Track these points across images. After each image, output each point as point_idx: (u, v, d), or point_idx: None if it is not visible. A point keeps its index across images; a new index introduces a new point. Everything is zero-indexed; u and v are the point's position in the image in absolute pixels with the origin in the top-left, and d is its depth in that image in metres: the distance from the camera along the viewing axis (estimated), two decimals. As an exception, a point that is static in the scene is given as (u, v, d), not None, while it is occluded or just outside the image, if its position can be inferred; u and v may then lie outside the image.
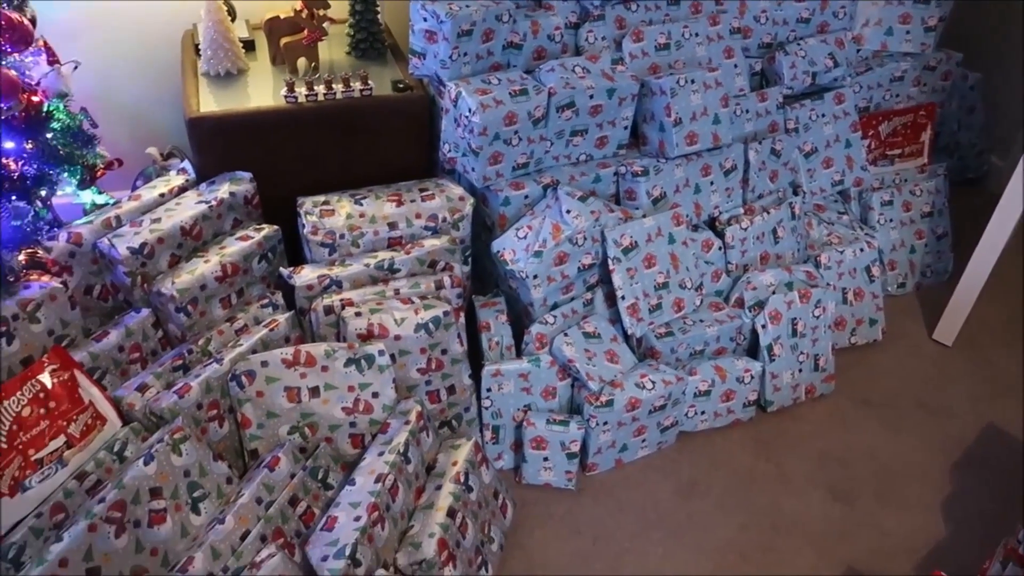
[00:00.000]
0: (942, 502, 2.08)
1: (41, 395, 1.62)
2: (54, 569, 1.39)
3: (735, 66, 2.45)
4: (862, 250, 2.49)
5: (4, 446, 1.54)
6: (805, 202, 2.58)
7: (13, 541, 1.47)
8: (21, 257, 1.78)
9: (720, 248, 2.33)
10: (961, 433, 2.29)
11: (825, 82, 2.61)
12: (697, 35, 2.37)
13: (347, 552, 1.49)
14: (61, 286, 1.78)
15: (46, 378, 1.64)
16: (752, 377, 2.18)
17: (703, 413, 2.18)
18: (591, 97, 2.14)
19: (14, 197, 1.85)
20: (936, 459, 2.20)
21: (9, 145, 1.81)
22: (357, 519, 1.57)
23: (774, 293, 2.25)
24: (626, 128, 2.28)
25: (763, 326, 2.22)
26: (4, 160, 1.81)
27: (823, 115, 2.58)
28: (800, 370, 2.29)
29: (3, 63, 1.79)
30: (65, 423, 1.63)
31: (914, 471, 2.16)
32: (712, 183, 2.35)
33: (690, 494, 2.05)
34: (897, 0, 2.69)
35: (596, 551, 1.90)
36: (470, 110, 2.01)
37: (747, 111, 2.45)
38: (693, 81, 2.21)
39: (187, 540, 1.60)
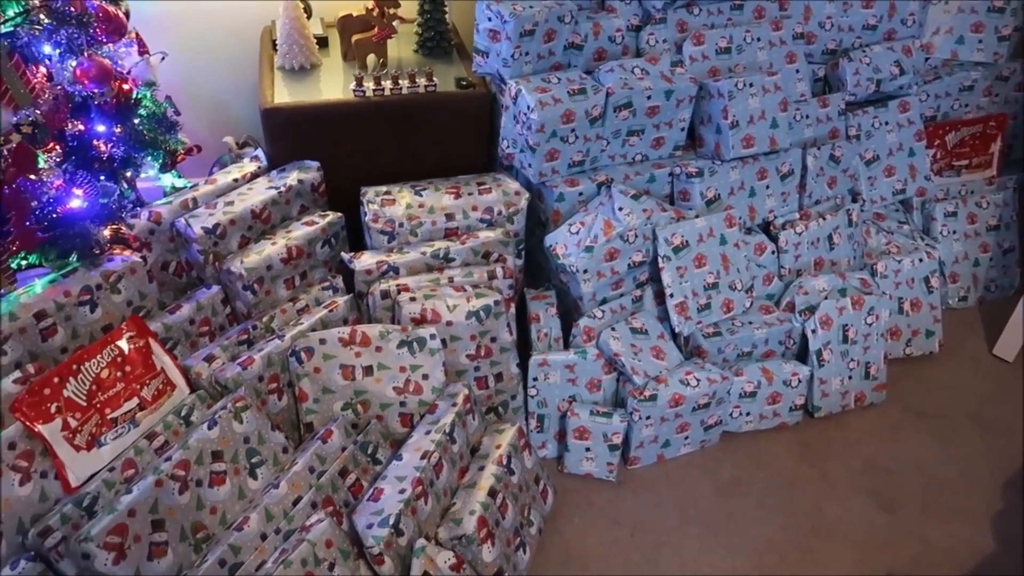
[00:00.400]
0: (991, 518, 2.06)
1: (119, 359, 1.76)
2: (123, 518, 1.52)
3: (797, 71, 2.46)
4: (921, 260, 2.47)
5: (84, 404, 1.68)
6: (864, 210, 2.57)
7: (88, 491, 1.61)
8: (107, 232, 1.94)
9: (773, 252, 2.35)
10: (1015, 450, 2.25)
11: (890, 90, 2.60)
12: (759, 39, 2.40)
13: (391, 521, 1.58)
14: (141, 261, 1.93)
15: (124, 344, 1.78)
16: (800, 381, 2.19)
17: (748, 414, 2.21)
18: (649, 98, 2.19)
19: (103, 177, 2.01)
20: (987, 474, 2.18)
21: (101, 128, 1.97)
22: (402, 492, 1.66)
23: (826, 298, 2.27)
24: (683, 130, 2.32)
25: (813, 331, 2.23)
26: (96, 142, 1.97)
27: (886, 123, 2.57)
28: (850, 377, 2.29)
29: (99, 52, 1.95)
30: (139, 387, 1.77)
31: (963, 485, 2.14)
32: (768, 187, 2.37)
33: (731, 493, 2.08)
34: (970, 8, 2.66)
35: (633, 542, 1.95)
36: (529, 107, 2.08)
37: (807, 116, 2.46)
38: (752, 84, 2.24)
39: (243, 502, 1.72)
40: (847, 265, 2.44)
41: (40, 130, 1.81)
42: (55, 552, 1.51)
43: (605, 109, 2.16)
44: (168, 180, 2.29)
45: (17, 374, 1.67)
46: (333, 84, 2.36)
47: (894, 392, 2.38)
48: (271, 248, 2.05)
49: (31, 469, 1.58)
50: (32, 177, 1.73)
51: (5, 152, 1.69)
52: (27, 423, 1.59)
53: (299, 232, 2.11)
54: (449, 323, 1.97)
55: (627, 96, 2.16)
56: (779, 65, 2.44)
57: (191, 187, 2.20)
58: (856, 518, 2.03)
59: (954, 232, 2.67)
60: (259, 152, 2.32)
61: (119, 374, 1.75)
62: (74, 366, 1.69)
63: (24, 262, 1.86)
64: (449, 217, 2.16)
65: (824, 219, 2.39)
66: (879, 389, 2.34)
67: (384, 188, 2.22)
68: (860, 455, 2.20)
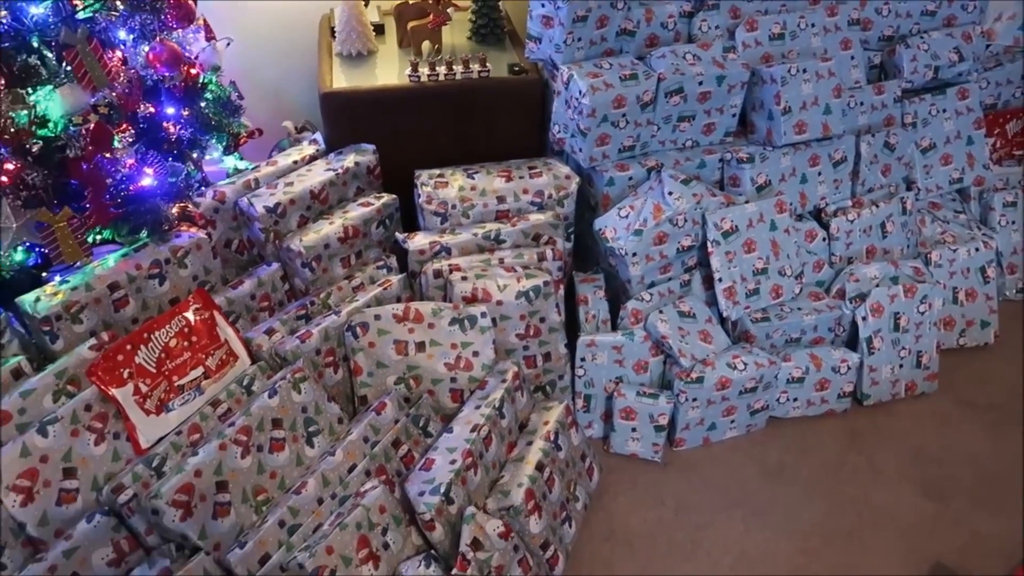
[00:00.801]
0: (1043, 510, 2.06)
1: (186, 330, 1.87)
2: (190, 478, 1.62)
3: (851, 58, 2.46)
4: (977, 250, 2.46)
5: (154, 371, 1.79)
6: (919, 199, 2.56)
7: (157, 452, 1.71)
8: (174, 210, 2.05)
9: (824, 239, 2.37)
10: (1072, 444, 2.24)
11: (948, 77, 2.58)
12: (813, 26, 2.41)
13: (442, 490, 1.66)
14: (206, 237, 2.04)
15: (190, 315, 1.88)
16: (849, 368, 2.21)
17: (795, 400, 2.23)
18: (700, 84, 2.22)
19: (170, 158, 2.13)
20: (1041, 467, 2.17)
21: (170, 111, 2.08)
22: (453, 462, 1.73)
23: (877, 286, 2.27)
24: (734, 116, 2.35)
25: (863, 318, 2.24)
26: (165, 124, 2.08)
27: (944, 110, 2.56)
28: (901, 366, 2.29)
29: (169, 38, 2.06)
30: (204, 356, 1.87)
31: (1015, 477, 2.13)
32: (820, 174, 2.38)
33: (776, 477, 2.11)
34: (1035, -6, 2.64)
35: (677, 522, 1.99)
36: (580, 92, 2.13)
37: (861, 103, 2.47)
38: (805, 70, 2.25)
39: (301, 468, 1.81)
40: (900, 254, 2.44)
41: (115, 111, 1.93)
42: (127, 508, 1.62)
43: (656, 95, 2.20)
44: (230, 162, 2.40)
45: (92, 341, 1.79)
46: (389, 70, 2.44)
47: (946, 382, 2.38)
48: (329, 227, 2.14)
49: (105, 430, 1.70)
50: (107, 156, 1.85)
51: (84, 131, 1.81)
52: (102, 387, 1.70)
53: (355, 213, 2.20)
54: (499, 303, 2.04)
55: (679, 82, 2.20)
56: (833, 51, 2.44)
57: (252, 169, 2.31)
58: (904, 506, 2.05)
59: (1013, 222, 2.64)
60: (317, 136, 2.42)
61: (186, 344, 1.86)
62: (145, 335, 1.80)
63: (99, 237, 1.99)
64: (500, 200, 2.23)
65: (877, 207, 2.40)
66: (931, 379, 2.34)
67: (437, 171, 2.30)
68: (909, 444, 2.21)
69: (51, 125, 1.79)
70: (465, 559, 1.53)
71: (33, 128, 1.75)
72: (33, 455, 1.59)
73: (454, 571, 1.54)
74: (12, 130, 1.71)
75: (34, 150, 1.75)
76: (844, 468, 2.14)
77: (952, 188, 2.62)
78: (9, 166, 1.72)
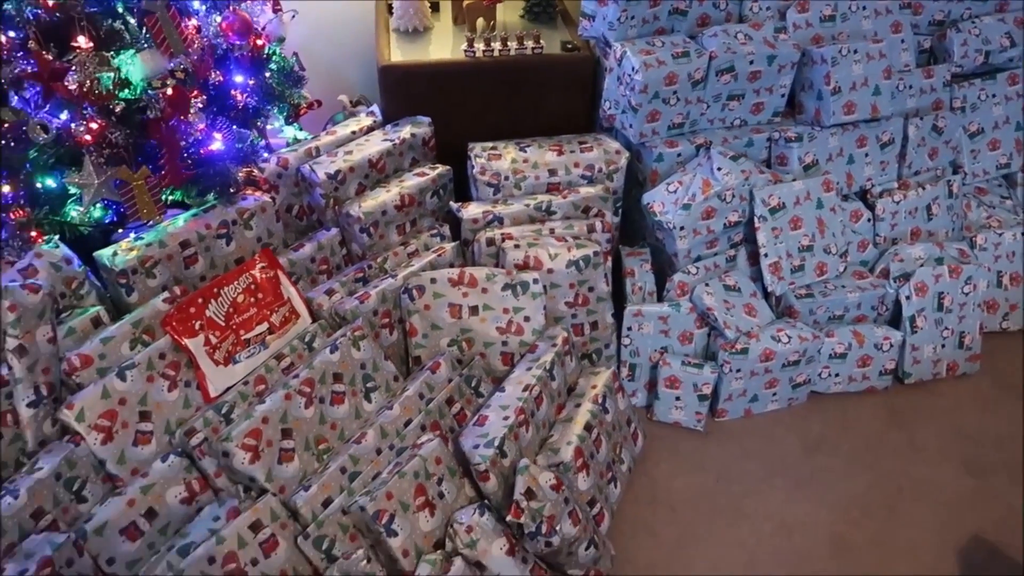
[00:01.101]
0: (1083, 489, 2.10)
1: (252, 287, 1.97)
2: (258, 424, 1.73)
3: (902, 41, 2.51)
4: (1023, 235, 2.49)
5: (223, 324, 1.90)
6: (966, 183, 2.60)
7: (226, 400, 1.82)
8: (241, 174, 2.16)
9: (869, 220, 2.42)
10: (1114, 427, 2.27)
11: (999, 62, 2.61)
12: (864, 8, 2.46)
13: (496, 443, 1.75)
14: (270, 201, 2.14)
15: (257, 273, 1.99)
16: (891, 346, 2.26)
17: (837, 376, 2.29)
18: (751, 63, 2.28)
19: (237, 125, 2.23)
20: (1082, 449, 2.21)
21: (238, 79, 2.18)
22: (506, 419, 1.82)
23: (922, 266, 2.32)
24: (783, 96, 2.41)
25: (907, 297, 2.29)
26: (233, 92, 2.19)
27: (993, 96, 2.59)
28: (943, 345, 2.34)
29: (240, 6, 2.17)
30: (268, 312, 1.98)
31: (1056, 457, 2.19)
32: (867, 155, 2.43)
33: (817, 450, 2.18)
34: (1092, -21, 2.66)
35: (718, 489, 2.07)
36: (633, 68, 2.21)
37: (910, 86, 2.51)
38: (855, 51, 2.30)
39: (359, 421, 1.91)
40: (945, 237, 2.49)
41: (189, 77, 2.04)
42: (198, 450, 1.73)
43: (707, 73, 2.26)
44: (290, 132, 2.50)
45: (165, 294, 1.90)
46: (444, 46, 2.53)
47: (988, 364, 2.42)
48: (386, 195, 2.24)
49: (177, 378, 1.81)
50: (183, 119, 1.96)
51: (162, 95, 1.92)
52: (176, 337, 1.81)
53: (411, 182, 2.30)
54: (550, 271, 2.12)
55: (730, 60, 2.26)
56: (884, 34, 2.49)
57: (312, 138, 2.41)
58: (943, 481, 2.10)
59: (1060, 210, 2.68)
60: (374, 107, 2.51)
61: (252, 300, 1.96)
62: (215, 289, 1.91)
63: (169, 198, 2.10)
64: (552, 172, 2.31)
65: (923, 189, 2.44)
66: (973, 360, 2.39)
67: (490, 144, 2.38)
68: (950, 423, 2.26)
69: (132, 88, 1.91)
70: (519, 507, 1.62)
71: (116, 90, 1.86)
72: (112, 397, 1.71)
73: (508, 518, 1.63)
74: (97, 91, 1.83)
75: (117, 110, 1.86)
76: (884, 443, 2.19)
77: (999, 173, 2.66)
78: (94, 125, 1.83)
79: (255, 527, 1.63)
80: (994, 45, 2.56)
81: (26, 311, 1.66)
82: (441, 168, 2.37)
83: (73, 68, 1.80)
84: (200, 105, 2.08)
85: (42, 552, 1.47)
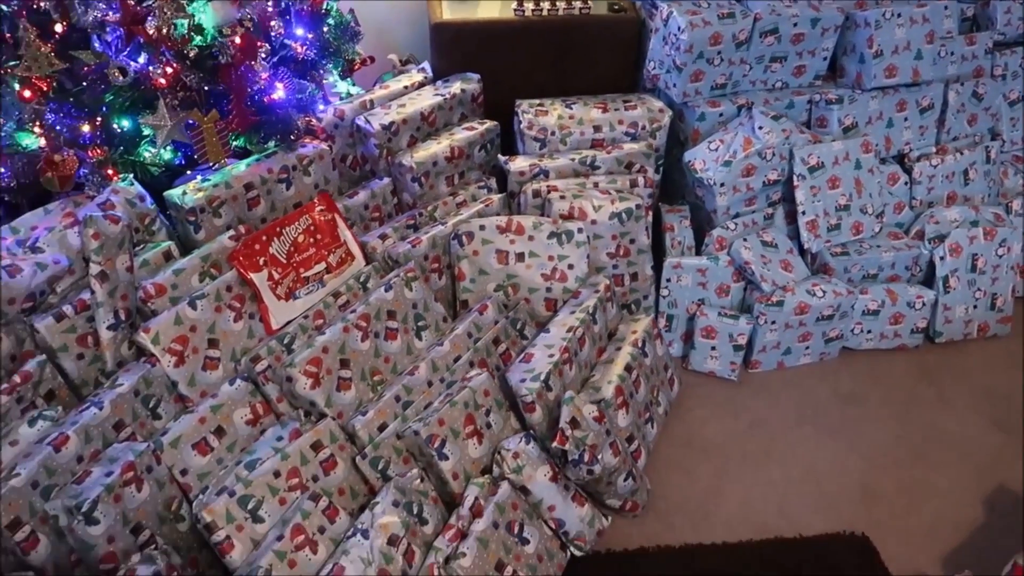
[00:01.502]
0: (1108, 447, 2.18)
1: (312, 228, 2.10)
2: (319, 352, 1.86)
3: (945, 7, 2.56)
4: (1060, 202, 2.57)
5: (284, 262, 2.03)
6: (1004, 150, 2.66)
7: (287, 332, 1.96)
8: (300, 123, 2.28)
9: (906, 183, 2.50)
10: None
11: (1042, 31, 2.67)
12: (909, -26, 2.52)
13: (542, 377, 1.86)
14: (328, 149, 2.27)
15: (316, 215, 2.12)
16: (924, 304, 2.35)
17: (869, 332, 2.38)
18: (795, 25, 2.36)
19: (296, 76, 2.36)
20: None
21: (299, 32, 2.30)
22: (551, 356, 1.94)
23: (957, 228, 2.40)
24: (825, 59, 2.48)
25: (941, 258, 2.37)
26: (293, 44, 2.31)
27: (1035, 64, 2.66)
28: (975, 306, 2.42)
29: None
30: (326, 253, 2.10)
31: (1083, 416, 2.26)
32: (906, 119, 2.50)
33: (847, 402, 2.28)
34: None
35: (750, 434, 2.17)
36: (679, 28, 2.29)
37: (952, 53, 2.57)
38: (899, 15, 2.37)
39: (411, 357, 2.04)
40: (981, 202, 2.56)
41: (255, 27, 2.17)
42: (263, 376, 1.87)
43: (751, 34, 2.34)
44: (343, 87, 2.62)
45: (231, 232, 2.04)
46: (494, 5, 2.62)
47: (1018, 327, 2.50)
48: (437, 147, 2.35)
49: (242, 310, 1.94)
50: (251, 64, 2.08)
51: (230, 43, 2.04)
52: (242, 271, 1.95)
53: (461, 135, 2.40)
54: (594, 222, 2.22)
55: (774, 22, 2.34)
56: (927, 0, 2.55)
57: (365, 93, 2.53)
58: (971, 435, 2.19)
59: (1098, 180, 2.73)
60: (425, 64, 2.62)
61: (312, 240, 2.09)
62: (278, 228, 2.04)
63: (234, 144, 2.23)
64: (596, 129, 2.41)
65: (961, 154, 2.51)
66: (1004, 322, 2.46)
67: (537, 101, 2.48)
68: (980, 381, 2.34)
69: (204, 35, 2.03)
70: (564, 435, 1.74)
71: (190, 35, 1.99)
72: (184, 324, 1.84)
73: (554, 444, 1.75)
74: (173, 36, 1.96)
75: (191, 55, 1.99)
76: (914, 397, 2.29)
77: (1038, 142, 2.73)
78: (169, 69, 1.96)
79: (316, 447, 1.77)
80: (1038, 14, 2.62)
81: (108, 240, 1.79)
82: (489, 123, 2.47)
83: (152, 14, 1.93)
84: (264, 55, 2.21)
85: (125, 457, 1.61)
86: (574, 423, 1.74)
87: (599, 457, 1.76)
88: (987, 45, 2.61)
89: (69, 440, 1.58)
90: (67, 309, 1.77)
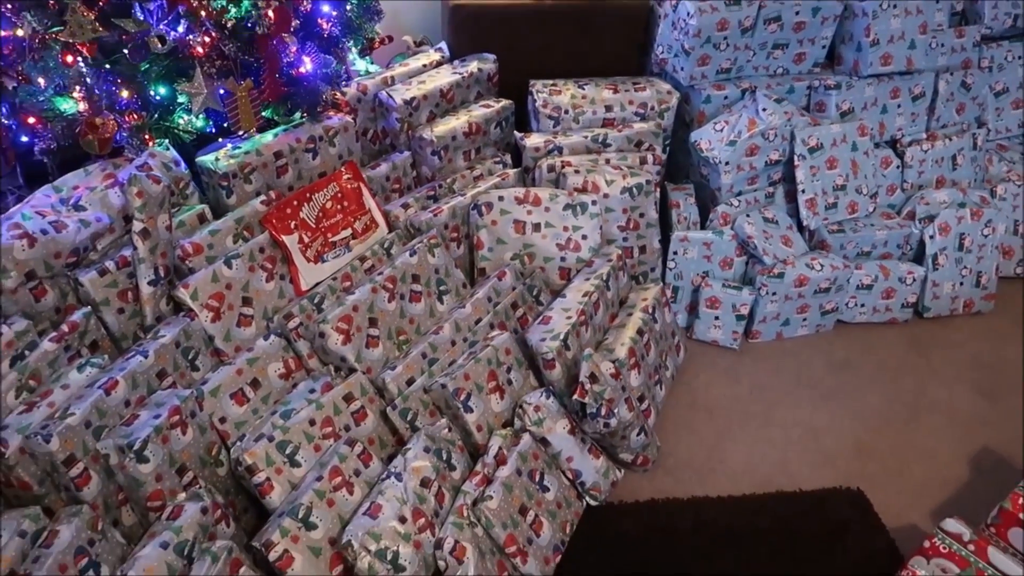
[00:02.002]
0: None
1: (339, 195, 2.20)
2: (349, 311, 1.96)
3: (936, 1, 2.72)
4: (1041, 188, 2.73)
5: (313, 226, 2.13)
6: (989, 139, 2.83)
7: (317, 291, 2.06)
8: (326, 96, 2.38)
9: (898, 167, 2.65)
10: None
11: (1027, 26, 2.83)
12: (904, -32, 2.67)
13: (561, 336, 1.98)
14: (352, 121, 2.37)
15: (343, 183, 2.22)
16: (914, 280, 2.50)
17: (863, 306, 2.53)
18: (797, 13, 2.49)
19: (322, 51, 2.46)
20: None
21: (325, 8, 2.40)
22: (568, 318, 2.06)
23: (946, 209, 2.55)
24: (824, 48, 2.62)
25: (931, 236, 2.52)
26: (319, 20, 2.41)
27: (1020, 57, 2.80)
28: (961, 283, 2.57)
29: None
30: (352, 220, 2.21)
31: (1061, 386, 2.43)
32: (899, 106, 2.65)
33: (842, 369, 2.42)
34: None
35: (752, 397, 2.31)
36: (688, 13, 2.42)
37: (943, 45, 2.71)
38: (895, 6, 2.51)
39: (433, 319, 2.15)
40: (968, 186, 2.71)
41: (286, 1, 2.27)
42: (295, 332, 1.97)
43: (756, 21, 2.47)
44: (362, 65, 2.72)
45: (262, 197, 2.13)
46: (508, -11, 2.75)
47: (1001, 305, 2.66)
48: (455, 122, 2.46)
49: (274, 271, 2.04)
50: (283, 36, 2.18)
51: (264, 14, 2.14)
52: (274, 233, 2.04)
53: (478, 112, 2.52)
54: (606, 195, 2.34)
55: (777, 10, 2.47)
56: (921, -6, 2.71)
57: (384, 70, 2.63)
58: (958, 400, 2.34)
59: (1076, 168, 2.90)
60: (442, 45, 2.73)
61: (339, 207, 2.19)
62: (308, 194, 2.14)
63: (263, 114, 2.33)
64: (608, 108, 2.53)
65: (950, 140, 2.67)
66: (988, 299, 2.62)
67: (551, 81, 2.60)
68: (965, 352, 2.50)
69: (239, 6, 2.13)
70: (584, 388, 1.86)
71: (228, 6, 2.09)
72: (220, 281, 1.94)
73: (574, 397, 1.87)
74: (211, 6, 2.06)
75: (228, 25, 2.09)
76: (904, 366, 2.43)
77: (1021, 131, 2.88)
78: (207, 38, 2.06)
79: (348, 398, 1.87)
80: None
81: (150, 198, 1.88)
82: (505, 102, 2.59)
83: (193, -17, 2.03)
84: (293, 29, 2.31)
85: (171, 402, 1.70)
86: (593, 378, 1.87)
87: (615, 411, 1.88)
88: (975, 38, 2.76)
89: (118, 384, 1.67)
90: (109, 264, 1.85)
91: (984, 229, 2.53)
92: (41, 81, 2.05)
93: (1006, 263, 2.74)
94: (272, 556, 1.56)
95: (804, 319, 2.47)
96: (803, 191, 2.46)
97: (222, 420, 1.82)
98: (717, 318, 2.41)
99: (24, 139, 2.18)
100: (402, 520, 1.62)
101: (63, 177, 2.05)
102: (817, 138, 2.45)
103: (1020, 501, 1.69)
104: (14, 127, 2.18)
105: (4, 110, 2.14)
